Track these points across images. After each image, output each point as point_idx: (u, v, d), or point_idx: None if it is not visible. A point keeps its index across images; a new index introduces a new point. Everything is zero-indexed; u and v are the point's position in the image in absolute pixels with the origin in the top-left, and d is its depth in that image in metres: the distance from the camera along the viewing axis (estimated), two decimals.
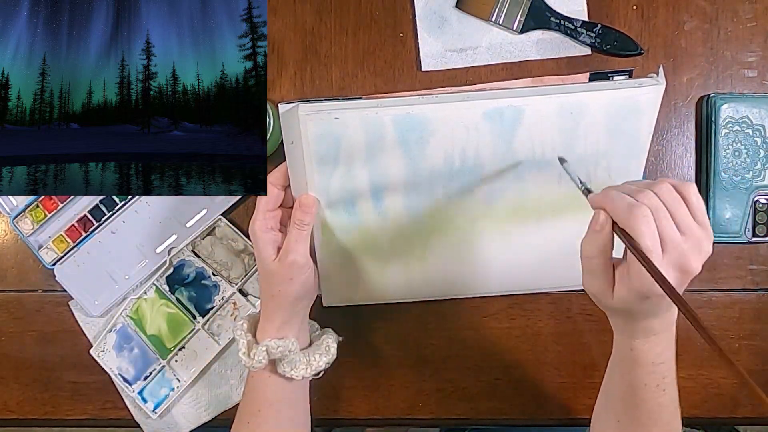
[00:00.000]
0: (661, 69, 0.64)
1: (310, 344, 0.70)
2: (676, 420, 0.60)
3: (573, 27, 0.75)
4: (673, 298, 0.47)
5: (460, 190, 0.68)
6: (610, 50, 0.75)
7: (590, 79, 0.76)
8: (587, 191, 0.57)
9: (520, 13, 0.75)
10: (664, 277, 0.47)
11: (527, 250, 0.73)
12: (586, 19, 0.76)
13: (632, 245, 0.49)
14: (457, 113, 0.63)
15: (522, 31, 0.76)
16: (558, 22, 0.75)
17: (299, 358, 0.67)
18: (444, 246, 0.72)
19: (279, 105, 0.62)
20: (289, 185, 0.66)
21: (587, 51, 0.76)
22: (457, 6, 0.76)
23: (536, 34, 0.76)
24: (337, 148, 0.64)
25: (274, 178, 0.66)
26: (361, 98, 0.75)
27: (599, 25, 0.75)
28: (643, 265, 0.49)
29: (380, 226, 0.70)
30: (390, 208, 0.69)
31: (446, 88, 0.77)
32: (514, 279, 0.75)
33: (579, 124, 0.64)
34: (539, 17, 0.76)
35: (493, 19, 0.76)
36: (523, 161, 0.66)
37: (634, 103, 0.64)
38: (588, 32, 0.75)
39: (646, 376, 0.57)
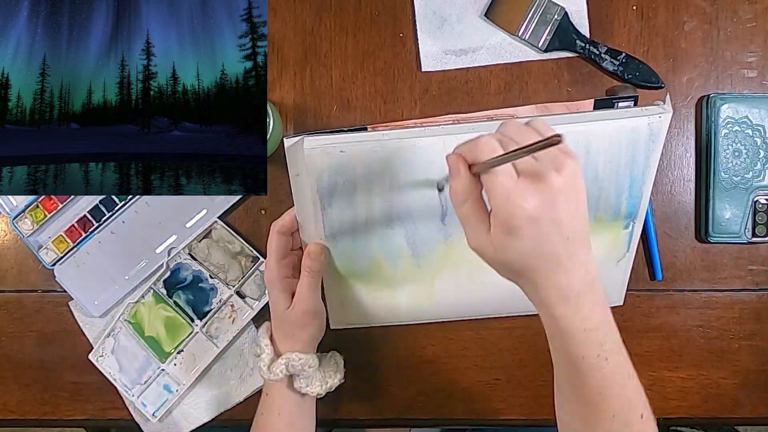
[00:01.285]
0: (667, 97, 0.64)
1: (320, 361, 0.71)
2: (636, 393, 0.54)
3: (597, 52, 0.75)
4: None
5: None
6: (631, 80, 0.76)
7: (595, 107, 0.76)
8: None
9: (547, 31, 0.76)
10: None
11: None
12: (586, 20, 0.76)
13: (485, 170, 0.48)
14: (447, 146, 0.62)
15: (546, 50, 0.76)
16: (583, 45, 0.76)
17: (315, 375, 0.69)
18: (452, 276, 0.72)
19: (284, 138, 0.63)
20: (297, 230, 0.68)
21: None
22: (486, 15, 0.76)
23: (560, 55, 0.77)
24: (343, 180, 0.64)
25: (280, 226, 0.67)
26: (365, 129, 0.75)
27: (623, 54, 0.75)
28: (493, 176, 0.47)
29: (386, 256, 0.71)
30: (396, 238, 0.69)
31: (450, 116, 0.77)
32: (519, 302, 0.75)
33: (586, 153, 0.64)
34: (565, 38, 0.76)
35: (519, 34, 0.76)
36: None
37: (640, 133, 0.64)
38: (612, 59, 0.75)
39: (581, 346, 0.51)
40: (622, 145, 0.64)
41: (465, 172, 0.50)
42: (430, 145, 0.63)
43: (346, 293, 0.73)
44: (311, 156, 0.62)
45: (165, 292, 0.77)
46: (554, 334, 0.52)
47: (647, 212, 0.76)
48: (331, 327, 0.75)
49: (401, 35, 0.77)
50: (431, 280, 0.73)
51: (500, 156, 0.47)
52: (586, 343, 0.51)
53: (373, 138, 0.63)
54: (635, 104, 0.75)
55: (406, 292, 0.73)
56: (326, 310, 0.73)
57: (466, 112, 0.77)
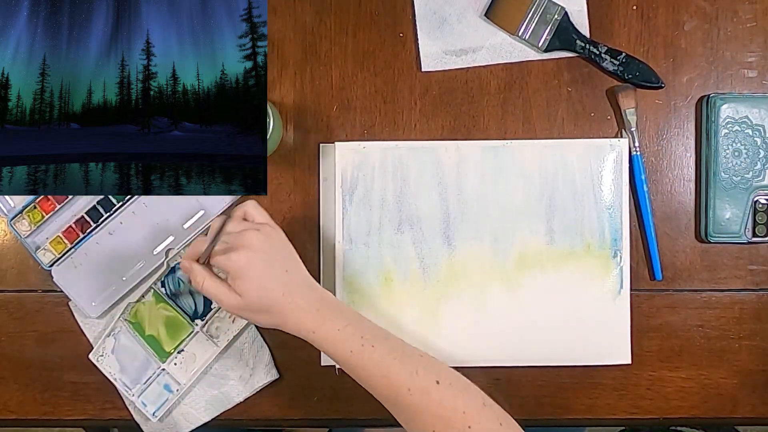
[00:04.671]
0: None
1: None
2: (423, 364, 0.61)
3: (597, 52, 0.75)
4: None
5: (467, 228, 0.76)
6: (631, 80, 0.76)
7: None
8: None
9: (547, 31, 0.75)
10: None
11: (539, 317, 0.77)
12: (586, 20, 0.76)
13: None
14: (460, 149, 0.76)
15: (546, 50, 0.76)
16: (583, 45, 0.75)
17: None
18: (455, 303, 0.76)
19: (320, 144, 0.77)
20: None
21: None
22: (486, 15, 0.76)
23: (560, 55, 0.77)
24: (363, 174, 0.75)
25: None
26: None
27: (623, 54, 0.75)
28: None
29: (396, 266, 0.76)
30: (405, 246, 0.76)
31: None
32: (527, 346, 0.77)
33: (563, 165, 0.76)
34: (565, 38, 0.76)
35: (520, 34, 0.76)
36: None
37: (604, 150, 0.76)
38: (612, 59, 0.75)
39: (342, 344, 0.61)
40: (591, 160, 0.75)
41: (195, 265, 0.63)
42: (442, 148, 0.75)
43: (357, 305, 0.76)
44: (341, 149, 0.75)
45: (165, 291, 0.77)
46: (320, 344, 0.62)
47: (647, 212, 0.76)
48: (337, 366, 0.75)
49: (401, 35, 0.77)
50: (437, 305, 0.76)
51: (206, 249, 0.62)
52: (345, 339, 0.61)
53: (393, 144, 0.76)
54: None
55: (411, 315, 0.75)
56: None
57: (466, 113, 0.77)
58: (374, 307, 0.76)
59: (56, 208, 0.76)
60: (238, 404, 0.78)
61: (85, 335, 0.78)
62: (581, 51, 0.76)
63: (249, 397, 0.78)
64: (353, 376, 0.63)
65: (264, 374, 0.77)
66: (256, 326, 0.77)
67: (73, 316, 0.78)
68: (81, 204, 0.77)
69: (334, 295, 0.75)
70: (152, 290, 0.77)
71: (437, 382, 0.60)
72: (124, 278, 0.77)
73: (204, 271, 0.63)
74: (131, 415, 0.78)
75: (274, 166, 0.77)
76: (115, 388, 0.77)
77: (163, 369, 0.77)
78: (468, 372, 0.64)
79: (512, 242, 0.76)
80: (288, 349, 0.78)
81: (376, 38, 0.77)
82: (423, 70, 0.77)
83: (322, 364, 0.77)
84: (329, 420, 0.78)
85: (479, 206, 0.76)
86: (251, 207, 0.66)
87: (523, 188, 0.76)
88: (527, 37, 0.76)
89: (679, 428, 1.10)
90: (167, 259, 0.77)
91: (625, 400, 0.78)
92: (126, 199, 0.77)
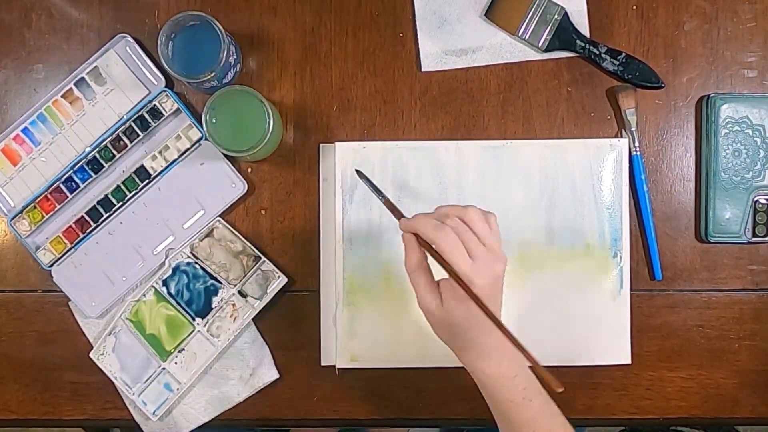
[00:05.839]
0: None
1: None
2: (561, 428, 0.62)
3: (597, 52, 0.75)
4: (469, 294, 0.56)
5: None
6: (631, 80, 0.76)
7: None
8: (397, 214, 0.63)
9: (546, 31, 0.75)
10: (467, 286, 0.56)
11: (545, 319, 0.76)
12: (586, 20, 0.76)
13: (438, 260, 0.58)
14: (460, 149, 0.76)
15: (546, 50, 0.76)
16: (583, 45, 0.75)
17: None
18: None
19: (320, 145, 0.77)
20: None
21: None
22: (486, 15, 0.76)
23: (560, 54, 0.77)
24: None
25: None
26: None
27: (623, 54, 0.75)
28: (449, 275, 0.57)
29: (395, 266, 0.76)
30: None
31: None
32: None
33: (564, 164, 0.75)
34: (565, 38, 0.76)
35: (520, 34, 0.76)
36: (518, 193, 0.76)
37: (604, 151, 0.75)
38: (612, 59, 0.75)
39: (506, 392, 0.60)
40: (591, 160, 0.75)
41: (417, 246, 0.59)
42: (442, 148, 0.76)
43: (355, 315, 0.75)
44: (341, 149, 0.75)
45: (166, 290, 0.77)
46: (481, 381, 0.61)
47: (647, 212, 0.76)
48: (337, 366, 0.76)
49: (401, 35, 0.77)
50: None
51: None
52: (510, 389, 0.60)
53: (393, 144, 0.76)
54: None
55: (411, 315, 0.75)
56: (335, 343, 0.75)
57: (466, 113, 0.77)
58: (374, 307, 0.76)
59: (56, 208, 0.76)
60: (238, 404, 0.78)
61: (85, 335, 0.78)
62: (581, 51, 0.76)
63: (249, 397, 0.78)
64: (496, 412, 0.63)
65: (264, 374, 0.77)
66: (256, 326, 0.77)
67: (73, 315, 0.78)
68: (81, 204, 0.77)
69: (335, 294, 0.75)
70: (153, 289, 0.77)
71: None
72: (124, 278, 0.77)
73: (424, 255, 0.59)
74: (131, 415, 0.78)
75: (274, 166, 0.77)
76: (115, 387, 0.77)
77: (164, 368, 0.77)
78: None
79: (512, 242, 0.75)
80: (288, 349, 0.78)
81: (376, 38, 0.77)
82: (423, 70, 0.77)
83: (322, 364, 0.77)
84: (329, 420, 0.78)
85: (479, 206, 0.75)
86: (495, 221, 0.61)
87: (523, 188, 0.76)
88: (527, 37, 0.76)
89: (679, 428, 1.10)
90: (169, 258, 0.77)
91: (625, 400, 0.78)
92: (126, 199, 0.77)
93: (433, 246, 0.57)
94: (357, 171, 0.69)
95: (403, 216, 0.62)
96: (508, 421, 0.62)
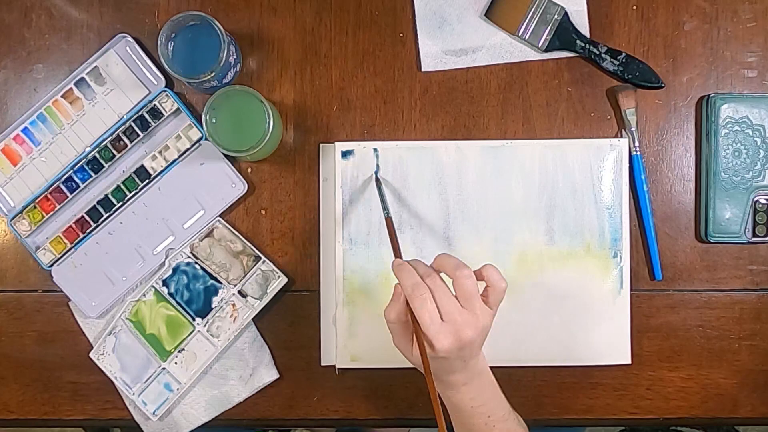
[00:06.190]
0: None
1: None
2: None
3: (597, 52, 0.75)
4: (422, 356, 0.58)
5: (468, 228, 0.76)
6: (631, 80, 0.76)
7: None
8: (395, 246, 0.66)
9: (547, 31, 0.75)
10: (423, 349, 0.58)
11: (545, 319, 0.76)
12: (586, 20, 0.76)
13: (411, 315, 0.59)
14: (460, 149, 0.76)
15: (546, 50, 0.76)
16: (583, 45, 0.75)
17: None
18: None
19: (320, 145, 0.77)
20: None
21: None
22: (486, 15, 0.76)
23: (560, 54, 0.77)
24: (363, 174, 0.75)
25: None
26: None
27: (623, 54, 0.75)
28: (415, 331, 0.59)
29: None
30: (405, 245, 0.75)
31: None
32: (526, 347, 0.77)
33: (564, 165, 0.76)
34: (565, 38, 0.76)
35: (520, 34, 0.76)
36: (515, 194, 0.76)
37: (604, 151, 0.75)
38: (612, 59, 0.75)
39: (471, 418, 0.64)
40: (591, 160, 0.75)
41: (404, 300, 0.60)
42: (442, 148, 0.75)
43: (355, 315, 0.75)
44: (341, 149, 0.75)
45: (166, 290, 0.77)
46: (450, 405, 0.65)
47: (647, 212, 0.76)
48: (337, 366, 0.76)
49: (401, 35, 0.77)
50: None
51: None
52: (476, 416, 0.64)
53: (393, 144, 0.76)
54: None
55: None
56: (335, 343, 0.75)
57: (466, 113, 0.77)
58: (374, 307, 0.76)
59: (56, 208, 0.76)
60: (238, 404, 0.78)
61: (85, 335, 0.78)
62: (581, 51, 0.76)
63: (249, 397, 0.78)
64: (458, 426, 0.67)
65: (264, 374, 0.77)
66: (256, 326, 0.77)
67: (73, 316, 0.78)
68: (81, 204, 0.77)
69: (335, 294, 0.76)
70: (153, 289, 0.77)
71: None
72: (124, 278, 0.77)
73: (407, 308, 0.60)
74: (131, 415, 0.78)
75: (274, 166, 0.78)
76: (115, 387, 0.77)
77: (164, 368, 0.77)
78: None
79: (512, 242, 0.76)
80: (288, 349, 0.78)
81: (376, 38, 0.77)
82: (423, 70, 0.77)
83: (322, 364, 0.77)
84: (329, 420, 0.78)
85: (479, 206, 0.76)
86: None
87: (523, 188, 0.76)
88: (527, 37, 0.76)
89: (679, 428, 1.10)
90: (169, 258, 0.77)
91: (625, 400, 0.78)
92: (126, 199, 0.77)
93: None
94: (376, 178, 0.70)
95: (399, 255, 0.64)
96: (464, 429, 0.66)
